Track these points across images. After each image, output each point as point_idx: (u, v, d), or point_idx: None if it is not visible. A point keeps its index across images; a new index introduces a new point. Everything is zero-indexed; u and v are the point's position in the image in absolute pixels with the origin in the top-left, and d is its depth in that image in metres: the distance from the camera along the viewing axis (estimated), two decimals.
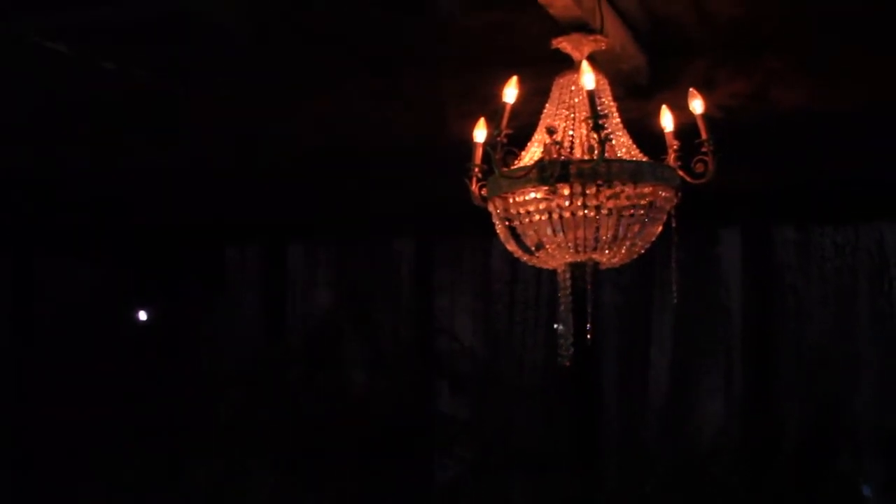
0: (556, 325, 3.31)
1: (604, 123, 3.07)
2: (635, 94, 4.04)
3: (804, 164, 5.25)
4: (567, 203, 3.03)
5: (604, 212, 3.06)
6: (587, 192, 3.03)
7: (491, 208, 3.25)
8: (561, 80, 3.25)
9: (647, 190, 3.11)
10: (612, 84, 4.00)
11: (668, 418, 6.98)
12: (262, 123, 4.97)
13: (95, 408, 6.93)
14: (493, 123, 3.10)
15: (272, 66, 4.67)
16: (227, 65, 4.70)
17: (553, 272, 3.36)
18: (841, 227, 6.68)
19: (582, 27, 3.25)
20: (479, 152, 3.26)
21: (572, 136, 3.20)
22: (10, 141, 5.54)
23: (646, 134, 3.38)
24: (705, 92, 3.94)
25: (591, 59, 3.44)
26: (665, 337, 7.11)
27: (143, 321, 7.43)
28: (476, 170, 3.30)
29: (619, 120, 3.25)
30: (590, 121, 2.96)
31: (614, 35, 3.52)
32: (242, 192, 6.82)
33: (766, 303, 6.80)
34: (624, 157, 3.15)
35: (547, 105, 3.28)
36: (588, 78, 2.97)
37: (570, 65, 3.32)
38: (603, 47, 3.35)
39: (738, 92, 4.00)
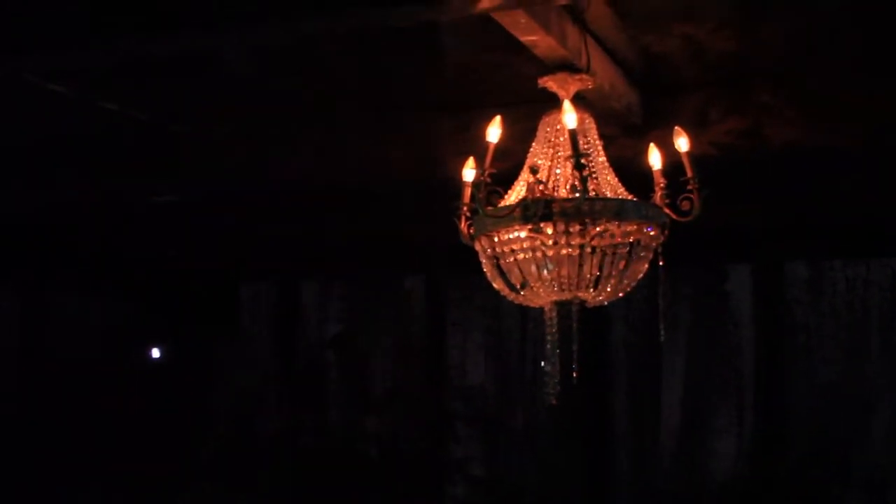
0: (542, 364, 3.29)
1: (586, 162, 3.08)
2: (630, 132, 4.05)
3: (806, 201, 5.23)
4: (551, 242, 3.04)
5: (587, 250, 3.06)
6: (570, 230, 3.03)
7: (477, 247, 3.26)
8: (546, 119, 3.26)
9: (631, 228, 3.11)
10: (605, 122, 4.03)
11: (679, 456, 6.94)
12: (265, 161, 5.00)
13: (103, 443, 6.97)
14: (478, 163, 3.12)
15: (274, 104, 4.72)
16: (228, 103, 4.75)
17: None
18: (851, 262, 6.66)
19: (567, 66, 3.26)
20: (467, 191, 3.27)
21: (559, 174, 3.21)
22: (17, 179, 5.60)
23: (641, 172, 3.38)
24: (699, 129, 3.98)
25: (580, 97, 3.47)
26: (676, 374, 7.08)
27: (155, 358, 7.47)
28: (465, 208, 3.31)
29: (604, 158, 3.26)
30: (572, 159, 2.97)
31: (602, 73, 3.53)
32: (253, 229, 6.87)
33: (776, 339, 6.78)
34: (609, 196, 3.15)
35: (533, 144, 3.29)
36: (569, 117, 2.97)
37: (558, 104, 3.33)
38: (590, 86, 3.36)
39: (733, 128, 4.00)
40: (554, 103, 3.36)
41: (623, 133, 4.07)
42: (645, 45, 3.84)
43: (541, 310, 3.31)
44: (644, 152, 3.44)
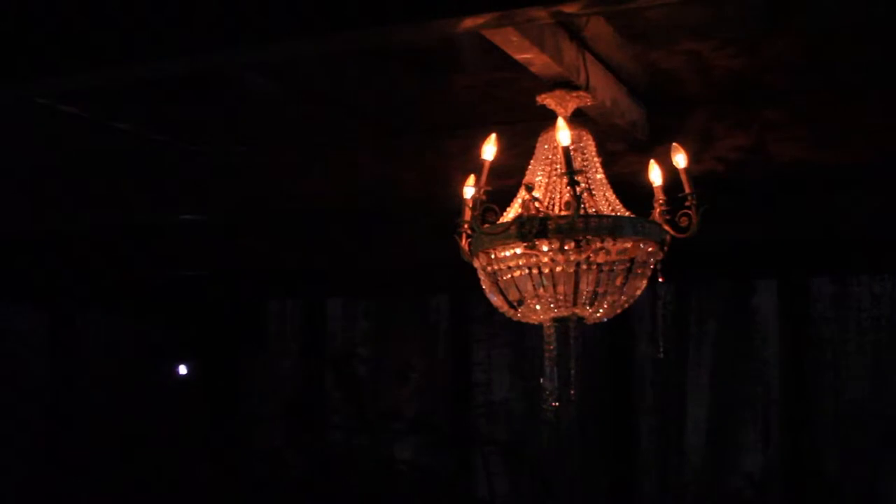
0: (541, 380, 3.29)
1: (582, 179, 3.09)
2: (636, 148, 4.05)
3: (824, 216, 5.21)
4: (546, 259, 3.05)
5: (583, 267, 3.07)
6: (566, 247, 3.03)
7: (476, 264, 3.27)
8: (544, 136, 3.27)
9: (627, 245, 3.11)
10: (610, 138, 4.05)
11: (704, 472, 6.90)
12: (281, 182, 5.06)
13: (131, 460, 7.04)
14: (476, 181, 3.14)
15: (289, 126, 4.78)
16: (246, 125, 4.82)
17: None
18: (877, 277, 6.60)
19: (564, 84, 3.27)
20: (468, 208, 3.29)
21: (556, 191, 3.22)
22: (43, 199, 5.69)
23: (647, 187, 3.38)
24: (705, 145, 3.97)
25: (580, 114, 3.48)
26: (701, 390, 7.04)
27: (182, 375, 7.54)
28: (465, 226, 3.33)
29: (602, 175, 3.26)
30: (565, 176, 2.98)
31: (604, 90, 3.54)
32: (278, 247, 6.92)
33: (802, 354, 6.72)
34: (605, 213, 3.15)
35: (532, 161, 3.30)
36: (563, 134, 2.99)
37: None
38: (588, 103, 3.37)
39: (738, 145, 3.99)
40: (554, 121, 3.37)
41: (629, 149, 4.07)
42: (650, 62, 3.84)
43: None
44: (658, 168, 3.44)
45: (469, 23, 2.50)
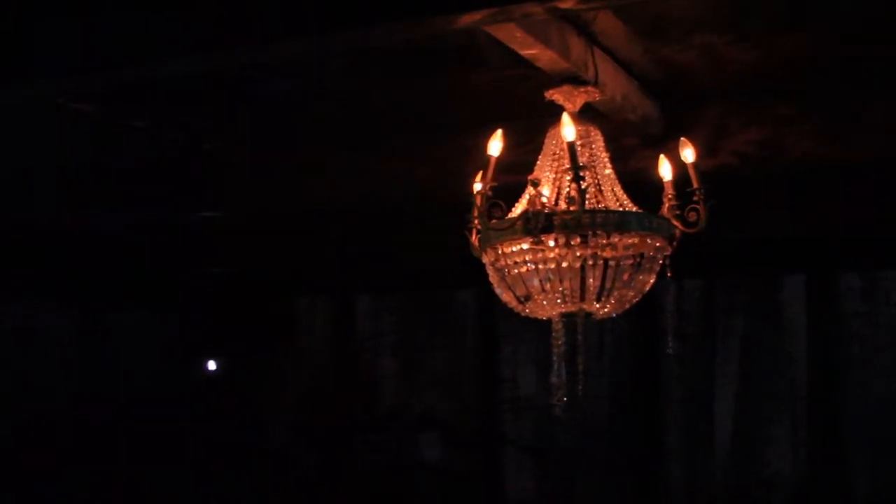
0: (551, 378, 3.29)
1: (588, 174, 3.09)
2: (650, 143, 4.04)
3: (846, 211, 5.17)
4: (552, 254, 3.05)
5: (590, 262, 3.07)
6: (571, 242, 3.04)
7: (484, 260, 3.28)
8: (552, 132, 3.28)
9: (634, 240, 3.11)
10: (624, 134, 4.05)
11: (732, 468, 6.86)
12: (299, 181, 5.10)
13: (158, 456, 7.11)
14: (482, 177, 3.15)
15: (306, 126, 4.81)
16: (265, 124, 4.85)
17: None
18: None
19: (573, 79, 3.27)
20: (475, 205, 3.29)
21: (569, 187, 3.22)
22: (71, 199, 5.76)
23: (662, 182, 3.38)
24: (719, 140, 3.96)
25: (589, 110, 3.48)
26: (729, 385, 7.00)
27: (211, 371, 7.60)
28: (476, 222, 3.33)
29: (611, 170, 3.26)
30: (570, 171, 2.98)
31: (614, 85, 3.53)
32: (305, 244, 6.96)
33: (831, 349, 6.67)
34: (612, 209, 3.15)
35: (540, 157, 3.31)
36: (568, 129, 2.99)
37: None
38: (597, 98, 3.37)
39: (753, 139, 3.97)
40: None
41: (644, 144, 4.06)
42: (663, 57, 3.83)
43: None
44: (668, 162, 3.43)
45: (466, 19, 2.51)
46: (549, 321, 3.31)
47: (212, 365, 7.60)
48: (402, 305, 7.86)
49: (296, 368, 7.88)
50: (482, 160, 3.84)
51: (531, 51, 3.05)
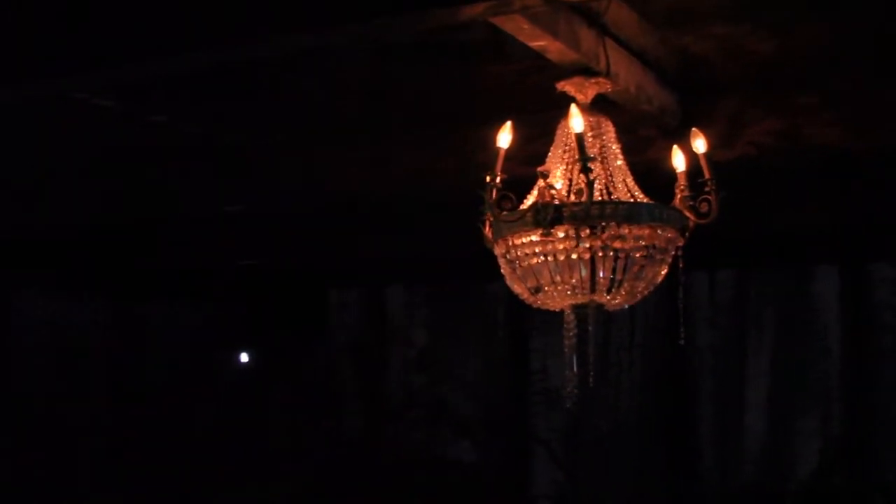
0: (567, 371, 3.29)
1: (597, 165, 3.09)
2: (668, 134, 4.01)
3: (876, 201, 5.12)
4: (561, 246, 3.05)
5: (599, 254, 3.06)
6: (581, 234, 3.03)
7: (496, 251, 3.29)
8: (562, 124, 3.27)
9: (644, 231, 3.09)
10: (642, 125, 4.03)
11: (764, 459, 6.83)
12: (321, 173, 5.12)
13: (194, 446, 7.18)
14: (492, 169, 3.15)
15: (326, 118, 4.83)
16: (284, 117, 4.88)
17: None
18: None
19: (583, 70, 3.26)
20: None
21: (580, 179, 3.21)
22: (104, 193, 5.82)
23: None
24: (737, 130, 3.93)
25: (603, 101, 3.47)
26: (761, 377, 6.96)
27: (244, 363, 7.65)
28: (489, 214, 3.33)
29: (622, 162, 3.24)
30: (578, 163, 2.98)
31: (628, 76, 3.51)
32: (336, 236, 7.00)
33: (863, 340, 6.62)
34: (622, 200, 3.14)
35: (551, 148, 3.30)
36: (576, 121, 2.99)
37: (582, 108, 3.32)
38: (609, 89, 3.35)
39: (771, 129, 3.94)
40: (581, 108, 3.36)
41: (662, 135, 4.04)
42: (681, 47, 3.81)
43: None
44: (681, 153, 3.41)
45: (467, 12, 2.51)
46: None
47: (244, 357, 7.65)
48: (433, 297, 7.87)
49: (328, 360, 7.92)
50: (503, 152, 3.85)
51: (539, 42, 3.04)
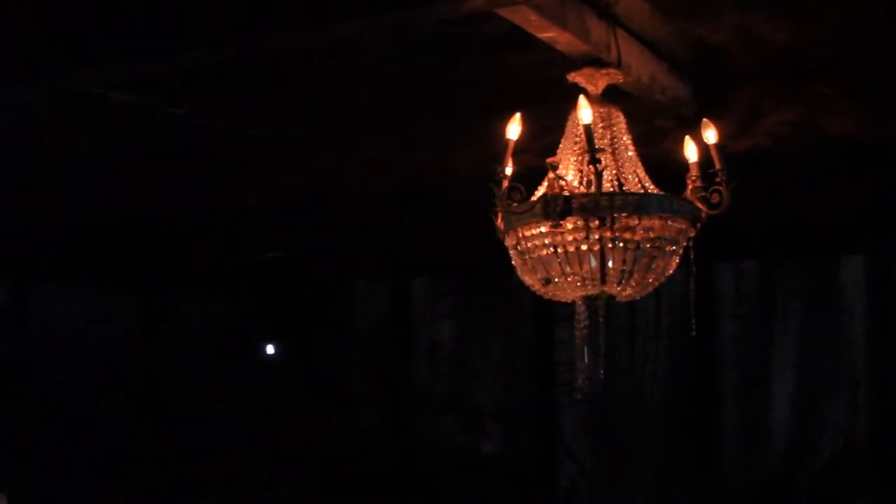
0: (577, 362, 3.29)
1: (606, 157, 3.08)
2: (684, 124, 3.99)
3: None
4: (571, 237, 3.05)
5: (609, 245, 3.06)
6: (590, 225, 3.03)
7: (507, 243, 3.30)
8: (573, 115, 3.27)
9: (654, 223, 3.09)
10: (657, 115, 4.02)
11: (789, 450, 6.80)
12: (337, 166, 5.14)
13: (219, 438, 7.23)
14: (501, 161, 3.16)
15: (343, 111, 4.85)
16: (301, 111, 4.90)
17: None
18: None
19: (594, 61, 3.26)
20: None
21: (590, 170, 3.21)
22: (132, 188, 5.86)
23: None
24: (753, 120, 3.91)
25: (615, 92, 3.46)
26: (787, 368, 6.93)
27: (269, 355, 7.70)
28: (500, 206, 3.34)
29: (633, 153, 3.24)
30: (587, 154, 2.98)
31: (640, 67, 3.51)
32: (360, 229, 7.02)
33: (890, 331, 6.57)
34: (633, 191, 3.14)
35: (562, 140, 3.30)
36: (584, 112, 2.99)
37: (592, 99, 3.32)
38: (620, 80, 3.35)
39: (788, 120, 3.92)
40: (591, 99, 3.35)
41: (677, 125, 4.02)
42: (696, 37, 3.78)
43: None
44: (693, 144, 3.40)
45: (470, 5, 2.51)
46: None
47: (270, 349, 7.70)
48: (458, 289, 7.89)
49: (354, 352, 7.95)
50: (520, 143, 3.86)
51: (548, 34, 3.04)
